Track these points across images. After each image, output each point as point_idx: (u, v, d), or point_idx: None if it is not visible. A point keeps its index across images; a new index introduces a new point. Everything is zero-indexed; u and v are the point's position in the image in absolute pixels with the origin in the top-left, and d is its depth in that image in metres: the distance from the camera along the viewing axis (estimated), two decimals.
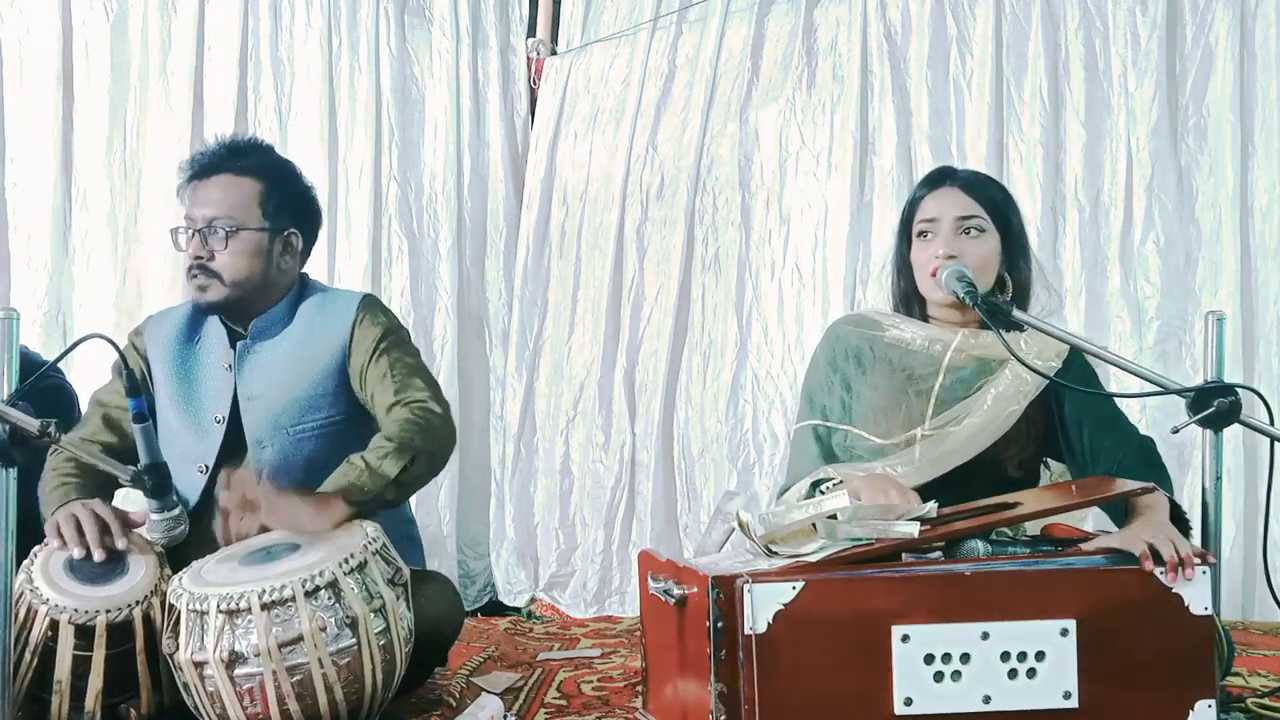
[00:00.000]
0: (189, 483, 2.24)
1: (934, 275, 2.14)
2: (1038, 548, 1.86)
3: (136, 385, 2.00)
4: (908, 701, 1.70)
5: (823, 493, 2.06)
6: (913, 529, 1.79)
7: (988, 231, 2.19)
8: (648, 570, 1.97)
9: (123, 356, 2.06)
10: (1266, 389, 3.14)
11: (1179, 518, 1.89)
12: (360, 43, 3.82)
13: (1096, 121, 3.46)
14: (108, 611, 1.96)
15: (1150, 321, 3.37)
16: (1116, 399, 2.20)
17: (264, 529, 2.03)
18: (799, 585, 1.70)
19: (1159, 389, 1.91)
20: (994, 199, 2.23)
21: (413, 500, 2.61)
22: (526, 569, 3.72)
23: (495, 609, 3.70)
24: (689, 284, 3.68)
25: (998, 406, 2.11)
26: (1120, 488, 1.92)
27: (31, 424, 1.77)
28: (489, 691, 2.32)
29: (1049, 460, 2.24)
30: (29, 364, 1.89)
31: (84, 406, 2.45)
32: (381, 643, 1.94)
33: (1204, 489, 1.91)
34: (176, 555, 2.14)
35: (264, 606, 1.86)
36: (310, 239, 2.42)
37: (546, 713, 2.22)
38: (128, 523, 2.11)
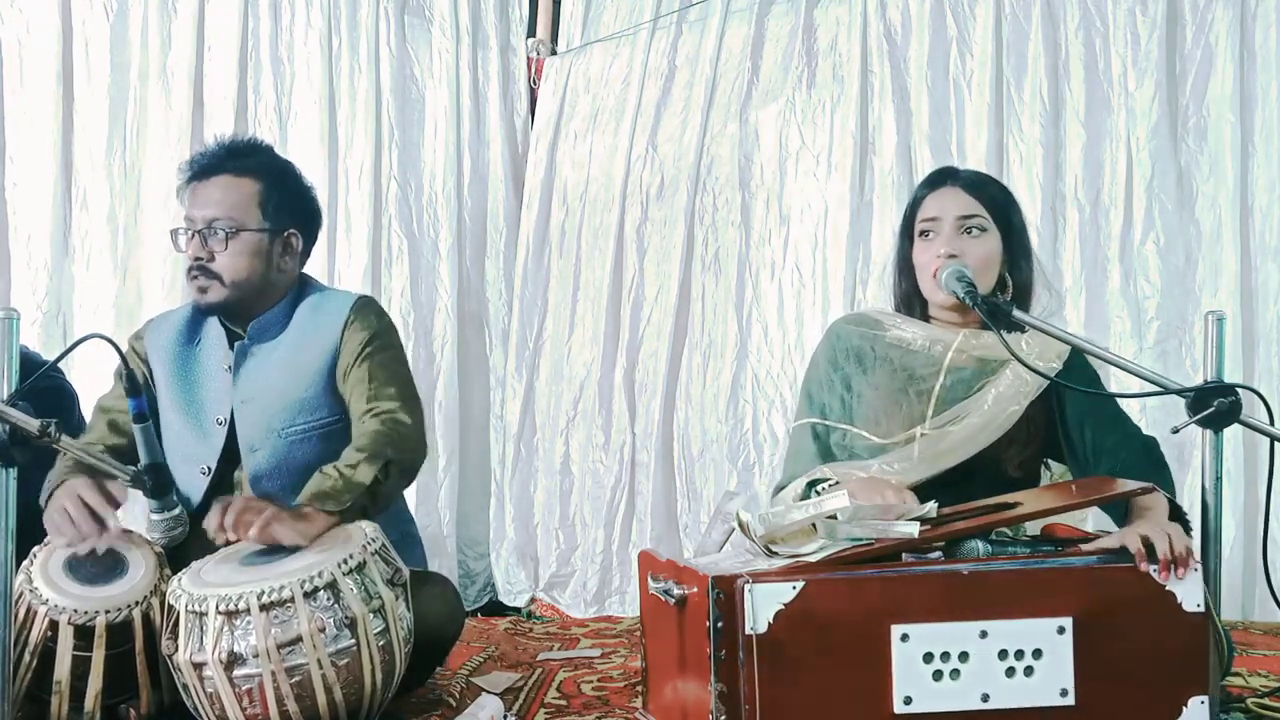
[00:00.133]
0: (191, 484, 2.24)
1: (935, 276, 2.14)
2: (1038, 548, 1.86)
3: (136, 385, 2.00)
4: (907, 700, 1.70)
5: (819, 493, 2.06)
6: (913, 529, 1.79)
7: (989, 231, 2.19)
8: (648, 570, 1.97)
9: (123, 357, 2.06)
10: (1266, 389, 3.14)
11: (1179, 518, 1.89)
12: (360, 43, 3.82)
13: (1096, 121, 3.46)
14: (107, 612, 1.97)
15: (1150, 321, 3.37)
16: (1117, 399, 2.20)
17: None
18: (799, 585, 1.70)
19: (1159, 389, 1.91)
20: (995, 199, 2.23)
21: (411, 502, 2.62)
22: (526, 569, 3.72)
23: (495, 609, 3.70)
24: (689, 284, 3.68)
25: (998, 407, 2.11)
26: (1120, 488, 1.92)
27: (31, 424, 1.77)
28: (489, 691, 2.32)
29: (1049, 461, 2.24)
30: (29, 364, 1.89)
31: (84, 406, 2.46)
32: (381, 643, 1.94)
33: (1204, 489, 1.91)
34: (176, 555, 2.14)
35: (263, 607, 1.86)
36: (310, 239, 2.42)
37: (546, 713, 2.22)
38: (111, 498, 2.07)
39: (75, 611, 1.95)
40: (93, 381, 2.41)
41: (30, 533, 2.05)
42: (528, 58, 3.97)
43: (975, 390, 2.14)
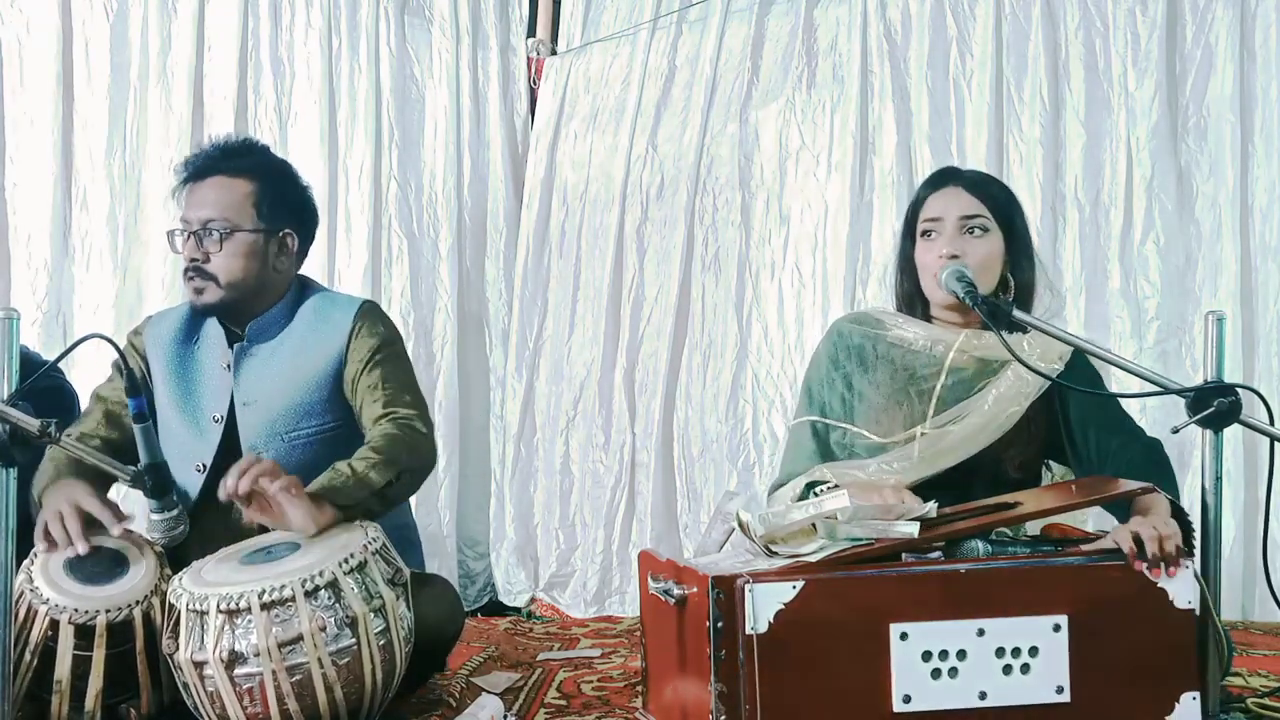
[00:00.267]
0: (186, 481, 2.24)
1: (936, 276, 2.14)
2: (1038, 548, 1.87)
3: (136, 385, 2.00)
4: (906, 699, 1.71)
5: (818, 494, 2.06)
6: (913, 529, 1.79)
7: (991, 231, 2.19)
8: (648, 570, 1.97)
9: (122, 356, 2.06)
10: (1266, 389, 3.14)
11: (1182, 520, 1.89)
12: (360, 43, 3.82)
13: (1096, 121, 3.46)
14: (108, 611, 1.96)
15: (1150, 321, 3.37)
16: (1116, 399, 2.20)
17: (260, 528, 2.03)
18: (799, 585, 1.70)
19: (1159, 389, 1.91)
20: (998, 199, 2.23)
21: (412, 501, 2.61)
22: (526, 569, 3.72)
23: (495, 609, 3.70)
24: (689, 284, 3.68)
25: (998, 407, 2.11)
26: (1120, 488, 1.92)
27: (31, 424, 1.77)
28: (489, 691, 2.32)
29: (1050, 462, 2.24)
30: (29, 364, 1.88)
31: (84, 406, 2.45)
32: (381, 643, 1.94)
33: (1204, 489, 1.91)
34: (176, 555, 2.14)
35: (264, 606, 1.86)
36: (307, 239, 2.42)
37: (546, 713, 2.22)
38: (119, 514, 2.08)
39: (76, 611, 1.95)
40: (92, 381, 2.41)
41: (31, 533, 2.05)
42: (528, 58, 3.97)
43: (976, 390, 2.13)
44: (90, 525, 2.06)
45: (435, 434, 2.31)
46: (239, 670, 1.86)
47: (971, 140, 3.50)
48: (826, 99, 3.63)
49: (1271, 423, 1.87)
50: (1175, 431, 1.90)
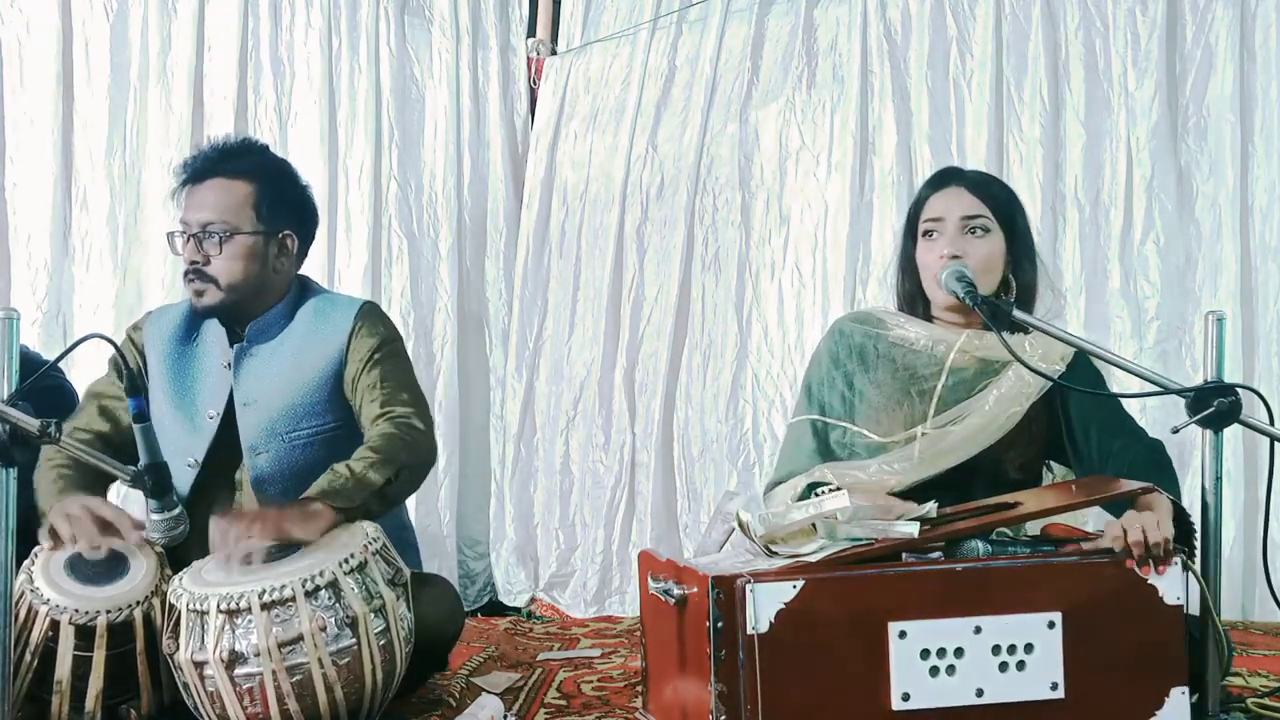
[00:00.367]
0: (178, 477, 2.23)
1: (937, 276, 2.14)
2: (1038, 548, 1.87)
3: (136, 385, 2.00)
4: (905, 697, 1.71)
5: (818, 495, 2.06)
6: (913, 529, 1.79)
7: (993, 232, 2.18)
8: (648, 570, 1.97)
9: (122, 355, 2.06)
10: (1266, 389, 3.14)
11: (1184, 521, 1.89)
12: (360, 43, 3.82)
13: (1096, 121, 3.46)
14: (108, 612, 1.96)
15: (1150, 321, 3.37)
16: (1116, 398, 2.20)
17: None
18: (799, 585, 1.70)
19: (1159, 389, 1.91)
20: (999, 199, 2.23)
21: (411, 502, 2.62)
22: (526, 569, 3.72)
23: (495, 609, 3.70)
24: (689, 284, 3.68)
25: (999, 407, 2.11)
26: (1120, 488, 1.92)
27: (32, 424, 1.77)
28: (489, 691, 2.32)
29: (1051, 463, 2.24)
30: (29, 364, 1.88)
31: None
32: (381, 643, 1.94)
33: (1204, 489, 1.91)
34: (176, 555, 2.14)
35: (264, 606, 1.86)
36: (307, 240, 2.42)
37: (546, 713, 2.22)
38: (133, 521, 2.11)
39: (76, 611, 1.95)
40: (92, 381, 2.41)
41: (31, 533, 2.05)
42: (528, 58, 3.97)
43: (977, 391, 2.13)
44: (104, 534, 2.07)
45: (435, 431, 2.31)
46: (239, 670, 1.87)
47: (971, 140, 3.50)
48: (826, 99, 3.63)
49: (1271, 423, 1.88)
50: (1175, 431, 1.90)
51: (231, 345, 2.31)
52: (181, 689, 1.96)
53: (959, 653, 1.73)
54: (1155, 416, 3.14)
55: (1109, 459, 2.07)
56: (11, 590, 1.85)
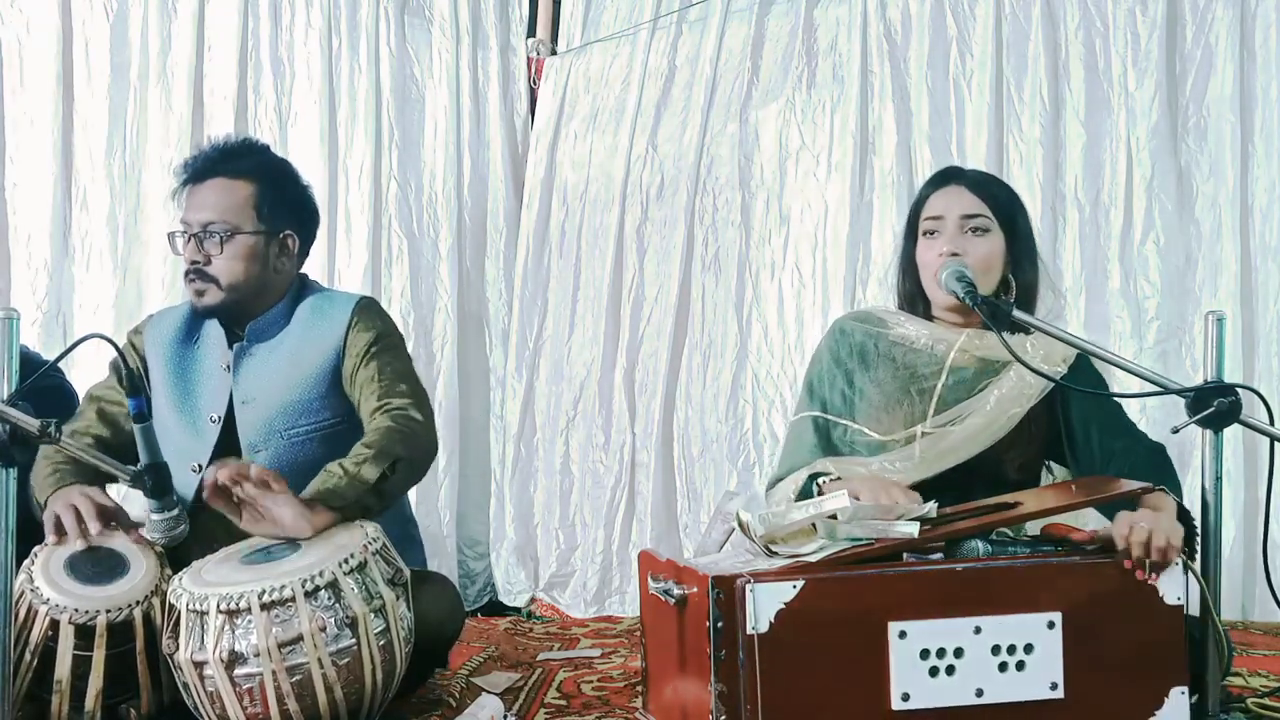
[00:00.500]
0: (182, 481, 2.23)
1: (936, 275, 2.14)
2: (1038, 548, 1.86)
3: (136, 385, 2.00)
4: (904, 697, 1.71)
5: (819, 485, 2.06)
6: (913, 529, 1.79)
7: (992, 231, 2.18)
8: (648, 570, 1.97)
9: (122, 356, 2.06)
10: (1266, 389, 3.14)
11: (1187, 523, 1.89)
12: (360, 43, 3.82)
13: (1096, 121, 3.46)
14: (108, 611, 1.96)
15: (1150, 321, 3.37)
16: (1117, 400, 2.19)
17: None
18: (799, 585, 1.70)
19: (1159, 389, 1.91)
20: (999, 199, 2.22)
21: (411, 501, 2.61)
22: (526, 569, 3.72)
23: (495, 609, 3.70)
24: (689, 284, 3.68)
25: (1000, 408, 2.11)
26: (1120, 487, 1.92)
27: (31, 424, 1.77)
28: (489, 691, 2.32)
29: (1051, 464, 2.24)
30: (29, 364, 1.88)
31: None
32: (381, 643, 1.94)
33: (1204, 489, 1.91)
34: (176, 555, 2.14)
35: (264, 606, 1.85)
36: (308, 239, 2.42)
37: (546, 713, 2.22)
38: (125, 516, 2.12)
39: (76, 611, 1.95)
40: (92, 382, 2.41)
41: (30, 532, 2.05)
42: (528, 58, 3.97)
43: (977, 391, 2.13)
44: (103, 521, 2.08)
45: (435, 422, 2.29)
46: (239, 670, 1.86)
47: (971, 140, 3.50)
48: (826, 99, 3.63)
49: (1271, 423, 1.88)
50: (1175, 431, 1.90)
51: (231, 346, 2.31)
52: (181, 689, 1.95)
53: (959, 653, 1.72)
54: (1155, 416, 3.15)
55: (1110, 460, 2.07)
56: (11, 590, 1.85)
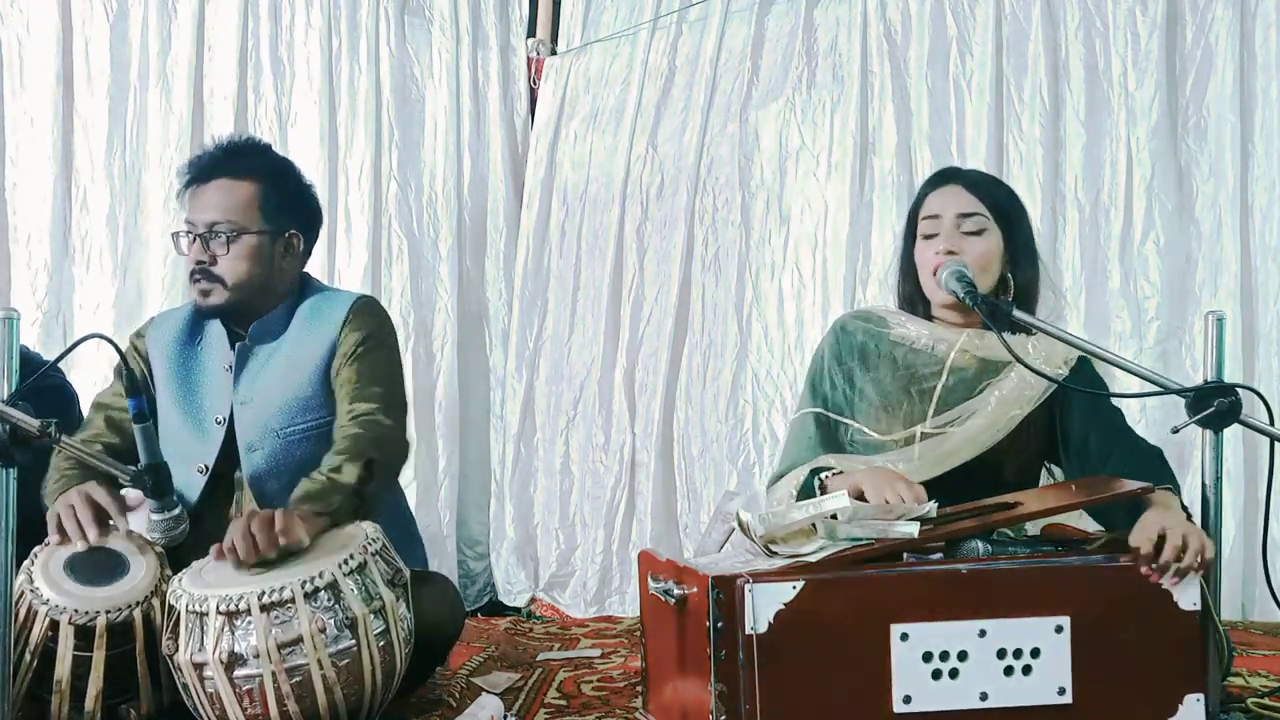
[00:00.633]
0: (188, 483, 2.24)
1: (935, 274, 2.14)
2: (1038, 548, 1.86)
3: (136, 385, 2.00)
4: (906, 700, 1.71)
5: (821, 480, 2.06)
6: (913, 529, 1.79)
7: (989, 230, 2.18)
8: (648, 570, 1.97)
9: (123, 356, 2.07)
10: (1266, 389, 3.14)
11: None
12: (360, 43, 3.82)
13: (1096, 121, 3.46)
14: (108, 612, 1.96)
15: (1150, 321, 3.37)
16: (1116, 401, 2.19)
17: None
18: (799, 585, 1.70)
19: (1159, 389, 1.91)
20: (997, 198, 2.22)
21: (411, 501, 2.61)
22: (526, 569, 3.72)
23: (495, 609, 3.70)
24: (689, 284, 3.68)
25: (1000, 409, 2.11)
26: (1121, 487, 1.92)
27: (31, 424, 1.77)
28: (489, 691, 2.32)
29: (1050, 465, 2.23)
30: (29, 364, 1.89)
31: (84, 406, 2.45)
32: (381, 643, 1.94)
33: (1204, 489, 1.91)
34: (176, 556, 2.14)
35: (263, 608, 1.85)
36: (311, 239, 2.42)
37: (546, 713, 2.22)
38: (124, 506, 2.11)
39: (76, 611, 1.95)
40: (92, 381, 2.43)
41: (30, 533, 2.05)
42: (528, 58, 3.97)
43: (978, 391, 2.13)
44: (100, 524, 2.07)
45: (407, 425, 2.30)
46: (239, 671, 1.86)
47: (971, 140, 3.50)
48: (826, 99, 3.63)
49: (1271, 423, 1.88)
50: (1175, 431, 1.90)
51: (233, 346, 2.31)
52: (181, 690, 1.95)
53: (962, 656, 1.71)
54: (1155, 416, 3.15)
55: (1107, 464, 2.07)
56: (11, 590, 1.85)
